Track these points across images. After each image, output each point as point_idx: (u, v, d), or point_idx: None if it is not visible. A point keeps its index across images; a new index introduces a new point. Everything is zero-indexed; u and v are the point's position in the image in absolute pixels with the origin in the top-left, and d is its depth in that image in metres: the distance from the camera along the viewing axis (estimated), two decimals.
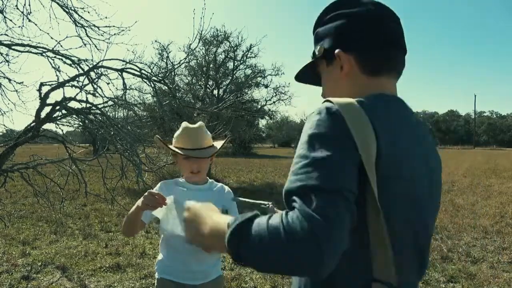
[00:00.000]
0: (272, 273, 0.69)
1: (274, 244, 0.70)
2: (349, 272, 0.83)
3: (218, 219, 0.86)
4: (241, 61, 14.26)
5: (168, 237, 1.72)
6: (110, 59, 3.85)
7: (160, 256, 1.82)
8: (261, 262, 0.73)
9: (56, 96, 12.24)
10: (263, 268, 0.78)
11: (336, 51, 0.93)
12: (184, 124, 1.79)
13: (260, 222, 0.74)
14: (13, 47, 3.80)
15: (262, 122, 34.64)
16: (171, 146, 1.75)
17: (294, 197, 0.75)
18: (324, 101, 0.86)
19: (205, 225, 0.89)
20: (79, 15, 4.07)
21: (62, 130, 3.95)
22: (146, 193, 1.53)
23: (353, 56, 0.93)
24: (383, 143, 0.82)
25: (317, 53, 0.99)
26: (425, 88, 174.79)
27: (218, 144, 1.85)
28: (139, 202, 1.56)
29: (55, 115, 3.62)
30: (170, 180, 1.82)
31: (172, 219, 1.54)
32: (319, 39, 0.99)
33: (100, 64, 3.79)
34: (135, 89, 9.79)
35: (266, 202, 1.31)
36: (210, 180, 1.85)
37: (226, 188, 1.86)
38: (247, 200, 1.40)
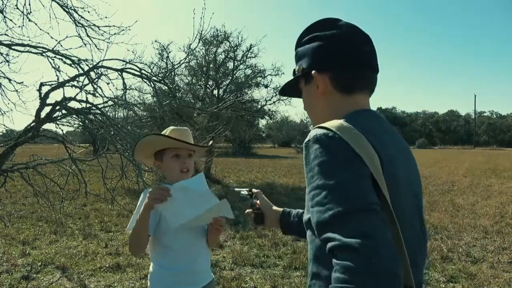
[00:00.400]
0: None
1: None
2: None
3: None
4: (241, 61, 14.19)
5: (166, 241, 1.66)
6: (110, 59, 3.84)
7: (153, 268, 1.72)
8: None
9: (56, 96, 12.25)
10: None
11: (312, 72, 1.01)
12: (171, 127, 1.80)
13: None
14: (13, 47, 3.80)
15: (262, 122, 34.54)
16: (171, 135, 1.69)
17: (329, 234, 0.79)
18: (316, 128, 0.91)
19: None
20: (79, 15, 4.07)
21: (62, 130, 3.95)
22: (151, 189, 1.53)
23: (328, 76, 1.00)
24: (381, 152, 0.88)
25: (296, 72, 1.06)
26: (425, 88, 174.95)
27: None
28: (143, 207, 1.54)
29: (55, 115, 3.62)
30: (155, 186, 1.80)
31: (174, 208, 1.53)
32: (299, 58, 1.07)
33: (100, 64, 3.78)
34: (135, 89, 9.77)
35: (244, 190, 1.43)
36: None
37: None
38: (233, 186, 1.48)
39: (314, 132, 0.90)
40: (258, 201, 1.40)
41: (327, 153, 0.85)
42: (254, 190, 1.42)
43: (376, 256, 0.73)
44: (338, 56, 1.00)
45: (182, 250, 1.67)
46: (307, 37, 1.05)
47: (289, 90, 1.17)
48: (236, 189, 1.49)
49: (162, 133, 1.77)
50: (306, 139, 0.91)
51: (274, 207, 1.39)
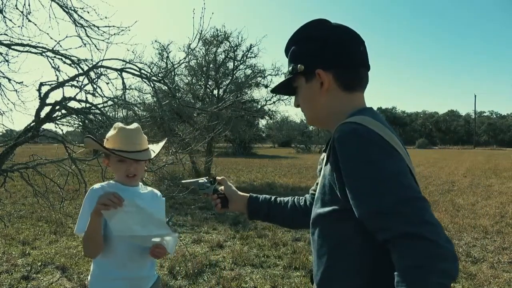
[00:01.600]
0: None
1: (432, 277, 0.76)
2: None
3: None
4: (241, 61, 14.19)
5: (115, 243, 1.56)
6: (109, 59, 3.83)
7: (94, 270, 1.65)
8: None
9: (55, 96, 12.23)
10: None
11: (317, 70, 1.04)
12: (119, 124, 1.64)
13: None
14: (12, 47, 3.79)
15: (262, 122, 34.52)
16: (109, 148, 1.59)
17: (387, 222, 0.82)
18: (344, 123, 0.93)
19: None
20: (78, 15, 4.06)
21: (62, 130, 3.93)
22: (102, 195, 1.43)
23: (332, 74, 1.04)
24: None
25: (298, 70, 1.08)
26: (425, 88, 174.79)
27: (156, 147, 1.75)
28: (91, 214, 1.46)
29: (54, 115, 3.61)
30: (107, 183, 1.68)
31: (120, 219, 1.45)
32: (296, 57, 1.09)
33: (99, 64, 3.77)
34: (135, 89, 9.76)
35: (203, 178, 1.45)
36: (140, 183, 1.75)
37: (158, 192, 1.76)
38: (187, 181, 1.51)
39: (345, 127, 0.92)
40: (222, 187, 1.43)
41: (367, 145, 0.87)
42: (218, 178, 1.45)
43: (443, 242, 0.77)
44: (339, 56, 1.04)
45: (126, 255, 1.59)
46: (304, 36, 1.09)
47: (281, 88, 1.20)
48: (192, 180, 1.49)
49: (111, 130, 1.64)
50: (337, 134, 0.92)
51: (240, 193, 1.42)
